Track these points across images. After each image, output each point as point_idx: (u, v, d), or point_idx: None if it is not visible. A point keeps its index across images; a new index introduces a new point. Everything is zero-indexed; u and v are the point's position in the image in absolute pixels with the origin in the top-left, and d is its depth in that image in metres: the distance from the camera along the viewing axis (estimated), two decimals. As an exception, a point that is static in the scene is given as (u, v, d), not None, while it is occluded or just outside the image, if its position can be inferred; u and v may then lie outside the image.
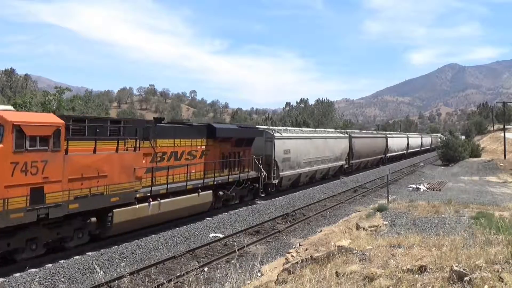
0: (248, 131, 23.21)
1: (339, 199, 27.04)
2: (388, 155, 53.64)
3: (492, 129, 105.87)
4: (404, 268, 6.98)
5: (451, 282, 6.05)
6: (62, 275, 11.75)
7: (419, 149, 77.52)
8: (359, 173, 40.27)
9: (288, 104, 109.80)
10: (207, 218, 19.21)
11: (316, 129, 37.67)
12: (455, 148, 57.84)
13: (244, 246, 15.63)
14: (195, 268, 12.11)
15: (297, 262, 9.30)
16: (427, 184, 34.27)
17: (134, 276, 12.02)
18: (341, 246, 10.49)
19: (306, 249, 13.65)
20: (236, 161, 21.22)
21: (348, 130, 43.90)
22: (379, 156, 49.93)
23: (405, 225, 14.06)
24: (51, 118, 12.40)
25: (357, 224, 15.65)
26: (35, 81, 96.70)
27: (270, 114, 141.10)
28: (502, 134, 67.70)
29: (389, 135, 56.69)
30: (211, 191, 18.86)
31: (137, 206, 14.89)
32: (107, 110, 74.12)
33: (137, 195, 14.99)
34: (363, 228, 14.70)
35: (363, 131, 53.56)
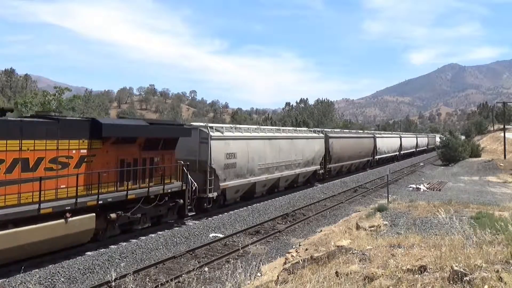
0: (167, 130, 17.42)
1: (339, 199, 27.03)
2: (377, 157, 48.99)
3: (492, 129, 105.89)
4: (404, 268, 6.98)
5: (451, 282, 6.05)
6: (62, 275, 11.76)
7: (414, 150, 73.03)
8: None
9: (288, 104, 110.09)
10: (207, 218, 19.23)
11: (281, 128, 31.52)
12: (455, 148, 57.83)
13: (244, 246, 15.66)
14: (195, 268, 12.11)
15: (297, 262, 9.31)
16: (427, 184, 34.27)
17: (134, 276, 12.03)
18: (341, 246, 10.50)
19: (306, 249, 13.65)
20: (147, 170, 16.01)
21: (325, 129, 37.56)
22: (366, 159, 45.23)
23: (405, 225, 14.08)
24: None
25: (357, 224, 15.65)
26: (35, 81, 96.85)
27: (270, 114, 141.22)
28: (502, 134, 67.72)
29: (378, 135, 51.83)
30: (94, 214, 13.58)
31: None
32: (107, 110, 74.18)
33: None
34: (363, 228, 14.70)
35: (346, 131, 46.36)
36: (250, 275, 8.25)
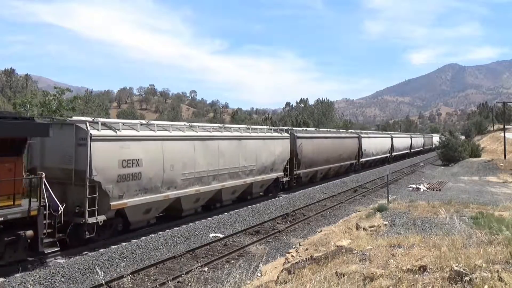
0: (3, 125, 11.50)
1: (339, 199, 27.04)
2: (363, 160, 43.96)
3: (492, 129, 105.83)
4: (404, 268, 6.98)
5: (451, 282, 6.05)
6: (62, 275, 11.76)
7: (408, 151, 68.08)
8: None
9: (288, 104, 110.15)
10: (207, 218, 19.23)
11: (224, 126, 23.29)
12: (455, 148, 57.86)
13: (244, 246, 15.67)
14: (195, 268, 12.11)
15: (297, 262, 9.30)
16: (427, 184, 34.27)
17: (134, 276, 12.04)
18: (341, 246, 10.50)
19: (306, 249, 13.65)
20: None
21: (292, 128, 31.74)
22: (348, 162, 39.85)
23: (405, 225, 14.06)
24: None
25: (357, 224, 15.65)
26: (35, 81, 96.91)
27: (270, 114, 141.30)
28: (502, 134, 67.66)
29: (363, 135, 46.35)
30: None
31: None
32: (107, 110, 74.22)
33: None
34: (363, 228, 14.70)
35: (324, 130, 39.94)
36: (250, 275, 8.25)
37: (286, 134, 27.86)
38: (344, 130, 46.55)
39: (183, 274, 12.08)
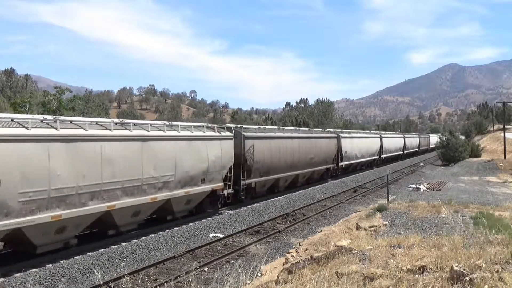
0: None
1: (339, 199, 27.04)
2: (343, 163, 37.50)
3: (492, 129, 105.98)
4: (404, 268, 6.98)
5: (451, 282, 6.05)
6: (62, 275, 11.76)
7: (400, 152, 61.71)
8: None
9: (288, 104, 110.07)
10: (207, 218, 19.23)
11: (122, 121, 16.43)
12: (455, 148, 57.89)
13: (244, 246, 15.67)
14: (195, 268, 12.11)
15: (297, 262, 9.29)
16: (427, 184, 34.25)
17: (134, 276, 12.03)
18: (341, 246, 10.50)
19: (306, 249, 13.65)
20: None
21: (244, 126, 25.66)
22: (324, 167, 33.27)
23: (405, 225, 14.07)
24: None
25: (357, 224, 15.65)
26: (35, 81, 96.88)
27: (270, 114, 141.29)
28: (502, 134, 67.70)
29: (344, 135, 39.22)
30: None
31: None
32: (107, 110, 74.15)
33: None
34: (363, 228, 14.70)
35: (290, 128, 32.61)
36: (250, 275, 8.24)
37: (228, 133, 21.21)
38: (320, 130, 39.19)
39: (183, 274, 12.08)
